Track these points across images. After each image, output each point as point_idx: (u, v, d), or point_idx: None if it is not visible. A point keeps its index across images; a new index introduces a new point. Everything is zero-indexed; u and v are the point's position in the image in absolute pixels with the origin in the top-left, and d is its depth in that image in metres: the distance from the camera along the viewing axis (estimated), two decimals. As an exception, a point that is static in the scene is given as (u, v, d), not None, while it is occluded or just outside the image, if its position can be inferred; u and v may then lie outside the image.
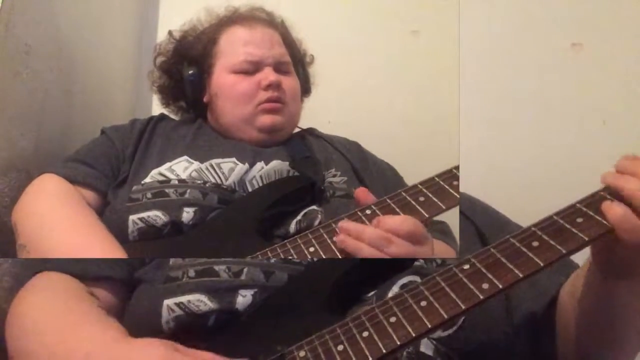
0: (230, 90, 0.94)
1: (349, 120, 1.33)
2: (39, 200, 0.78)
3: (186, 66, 0.99)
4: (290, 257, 0.66)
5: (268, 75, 0.93)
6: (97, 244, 0.71)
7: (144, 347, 0.54)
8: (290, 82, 0.97)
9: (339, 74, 1.16)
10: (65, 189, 0.80)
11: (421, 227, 0.64)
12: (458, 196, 0.68)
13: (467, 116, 1.22)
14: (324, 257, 0.65)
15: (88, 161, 0.86)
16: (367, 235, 0.63)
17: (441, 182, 0.69)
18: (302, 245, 0.66)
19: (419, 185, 0.70)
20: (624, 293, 0.60)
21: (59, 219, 0.74)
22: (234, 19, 1.00)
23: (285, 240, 0.68)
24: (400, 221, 0.64)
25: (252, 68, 0.94)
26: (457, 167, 0.71)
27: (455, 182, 0.69)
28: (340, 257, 0.64)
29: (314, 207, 0.80)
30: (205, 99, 0.99)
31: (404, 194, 0.69)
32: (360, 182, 0.92)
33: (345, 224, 0.65)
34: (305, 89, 1.08)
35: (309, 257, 0.65)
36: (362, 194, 0.70)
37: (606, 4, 1.33)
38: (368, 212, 0.68)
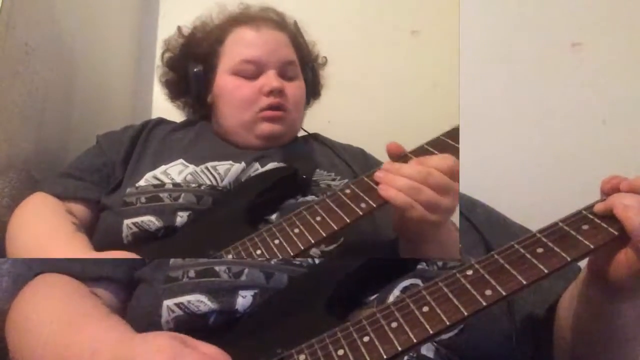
0: (231, 94, 0.93)
1: (349, 120, 1.33)
2: (23, 217, 0.78)
3: (192, 63, 0.98)
4: (258, 251, 0.66)
5: (271, 80, 0.90)
6: (64, 246, 0.71)
7: (150, 341, 0.52)
8: (294, 89, 0.94)
9: (338, 74, 1.15)
10: (48, 205, 0.80)
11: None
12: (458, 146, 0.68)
13: (467, 116, 1.22)
14: (287, 249, 0.64)
15: (77, 174, 0.86)
16: (406, 170, 0.62)
17: (444, 138, 0.70)
18: (267, 239, 0.66)
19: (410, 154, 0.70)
20: (629, 314, 0.58)
21: (35, 228, 0.75)
22: (242, 19, 0.98)
23: (253, 234, 0.68)
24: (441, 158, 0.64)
25: (253, 70, 0.92)
26: (457, 127, 0.72)
27: (456, 144, 0.69)
28: (302, 248, 0.63)
29: (295, 199, 0.80)
30: (209, 100, 0.98)
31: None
32: None
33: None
34: (315, 92, 1.08)
35: (276, 250, 0.65)
36: (393, 145, 0.69)
37: (606, 4, 1.32)
38: (347, 191, 0.67)
